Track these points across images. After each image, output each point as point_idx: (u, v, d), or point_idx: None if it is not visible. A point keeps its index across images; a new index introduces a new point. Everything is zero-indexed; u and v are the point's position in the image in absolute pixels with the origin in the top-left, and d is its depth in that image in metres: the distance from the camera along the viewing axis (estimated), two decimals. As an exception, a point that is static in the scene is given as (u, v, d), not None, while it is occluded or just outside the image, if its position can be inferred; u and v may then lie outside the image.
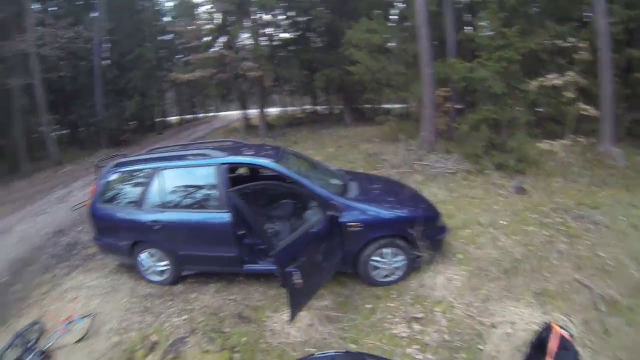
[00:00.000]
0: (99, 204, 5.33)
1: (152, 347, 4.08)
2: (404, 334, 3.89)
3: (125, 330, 4.42)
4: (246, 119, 21.26)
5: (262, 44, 17.82)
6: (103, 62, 20.90)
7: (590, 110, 6.77)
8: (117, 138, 20.47)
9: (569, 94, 6.73)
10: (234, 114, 26.57)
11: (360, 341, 3.86)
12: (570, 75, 6.62)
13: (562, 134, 6.53)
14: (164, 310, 4.69)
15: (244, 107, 21.58)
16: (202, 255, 4.91)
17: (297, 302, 3.73)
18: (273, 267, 4.29)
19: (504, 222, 6.00)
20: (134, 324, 4.49)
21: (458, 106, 11.27)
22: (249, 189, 4.16)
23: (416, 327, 3.96)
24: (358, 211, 4.46)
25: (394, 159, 8.58)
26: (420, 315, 4.08)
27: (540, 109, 12.41)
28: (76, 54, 18.48)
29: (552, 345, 2.94)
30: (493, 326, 3.86)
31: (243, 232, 4.85)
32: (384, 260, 4.55)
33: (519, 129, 8.82)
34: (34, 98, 17.19)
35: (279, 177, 4.73)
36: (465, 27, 13.17)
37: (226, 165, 4.76)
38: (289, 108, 24.82)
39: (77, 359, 4.18)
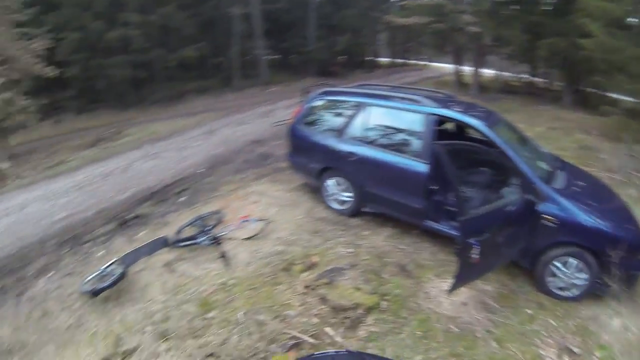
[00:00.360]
0: (300, 125, 5.90)
1: (310, 267, 4.45)
2: (549, 358, 3.58)
3: (291, 243, 4.88)
4: (458, 74, 20.46)
5: None
6: (319, -1, 22.24)
7: None
8: (325, 69, 22.40)
9: None
10: (446, 67, 25.73)
11: (503, 343, 3.67)
12: None
13: None
14: (333, 237, 5.04)
15: (457, 62, 20.69)
16: (387, 198, 5.05)
17: (463, 277, 3.68)
18: (454, 231, 4.36)
19: None
20: (301, 241, 4.97)
21: None
22: (455, 146, 4.05)
23: (565, 359, 3.60)
24: (558, 205, 4.03)
25: (610, 160, 7.37)
26: (576, 350, 3.66)
27: None
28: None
29: None
30: None
31: (435, 187, 4.87)
32: (565, 270, 4.12)
33: None
34: (251, 25, 19.79)
35: (487, 142, 4.47)
36: None
37: (435, 117, 4.71)
38: (505, 73, 22.67)
39: (241, 252, 4.76)
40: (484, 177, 5.18)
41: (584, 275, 4.05)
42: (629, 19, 10.85)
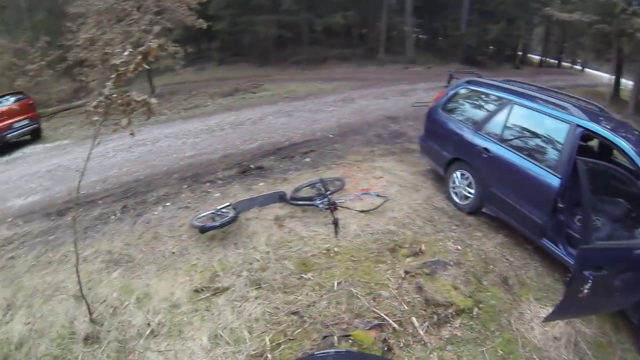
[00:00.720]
0: (439, 110, 5.81)
1: (416, 254, 4.46)
2: None
3: (404, 226, 4.91)
4: (616, 87, 17.82)
5: None
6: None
7: None
8: (473, 57, 21.19)
9: None
10: (603, 76, 22.69)
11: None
12: None
13: None
14: (445, 229, 5.00)
15: (618, 72, 17.98)
16: (510, 203, 4.80)
17: (565, 310, 3.39)
18: (570, 259, 4.09)
19: None
20: (413, 225, 4.99)
21: None
22: (598, 167, 3.69)
23: None
24: None
25: None
26: None
27: None
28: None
29: None
30: None
31: (562, 205, 4.46)
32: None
33: None
34: (402, 1, 19.19)
35: (632, 170, 3.97)
36: None
37: (582, 130, 4.31)
38: None
39: (352, 223, 4.89)
40: (620, 209, 4.58)
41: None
42: None
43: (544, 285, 4.38)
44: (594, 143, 5.28)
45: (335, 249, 4.46)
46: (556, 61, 31.84)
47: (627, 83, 17.97)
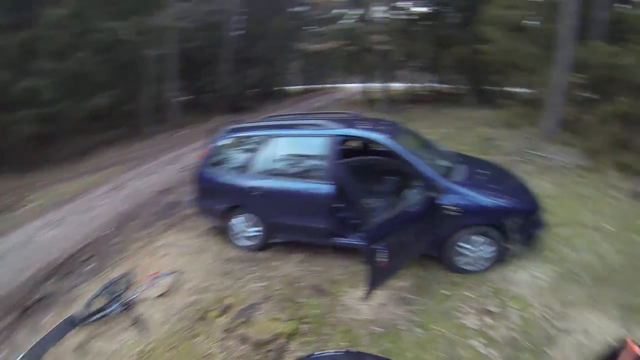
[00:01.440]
0: (205, 167, 5.83)
1: (226, 310, 4.38)
2: (473, 326, 3.88)
3: (204, 291, 4.77)
4: (368, 92, 21.52)
5: (396, 17, 18.09)
6: (236, 33, 22.62)
7: None
8: (235, 104, 21.99)
9: None
10: (356, 86, 26.95)
11: (427, 326, 3.91)
12: None
13: None
14: (244, 275, 5.02)
15: (367, 80, 21.82)
16: (295, 225, 5.14)
17: (375, 281, 3.88)
18: (361, 242, 4.48)
19: (609, 227, 5.53)
20: (213, 286, 4.87)
21: (590, 96, 9.97)
22: (358, 163, 4.23)
23: (487, 320, 3.93)
24: (459, 195, 4.42)
25: (508, 146, 8.24)
26: (494, 309, 4.02)
27: None
28: (211, 25, 20.09)
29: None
30: (566, 332, 3.72)
31: (339, 205, 5.00)
32: (471, 247, 4.51)
33: None
34: (166, 67, 19.30)
35: (390, 153, 4.73)
36: (619, 4, 11.22)
37: (339, 138, 4.89)
38: (415, 85, 24.26)
39: (155, 312, 4.56)
40: (390, 186, 5.56)
41: (489, 248, 4.50)
42: (523, 22, 12.34)
43: (352, 273, 4.79)
44: (357, 144, 6.09)
45: (149, 347, 4.01)
46: (316, 85, 36.34)
47: (377, 86, 21.44)
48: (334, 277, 4.81)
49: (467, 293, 4.28)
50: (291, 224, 5.20)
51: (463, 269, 4.58)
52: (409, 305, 4.19)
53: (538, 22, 11.87)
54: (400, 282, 4.47)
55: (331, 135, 4.92)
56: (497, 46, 11.92)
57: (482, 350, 3.61)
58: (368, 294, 3.92)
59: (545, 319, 3.88)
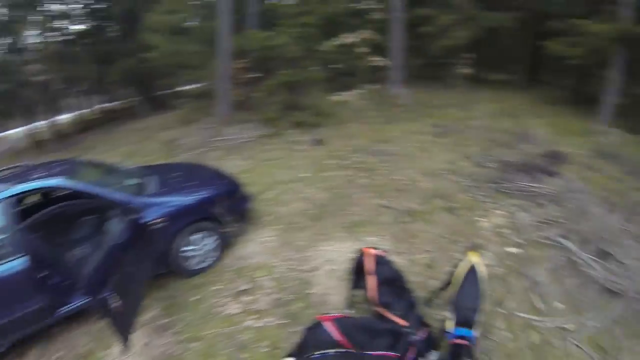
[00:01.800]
0: None
1: None
2: (237, 310, 3.89)
3: None
4: (34, 134, 17.85)
5: (52, 40, 15.61)
6: None
7: (380, 61, 7.52)
8: None
9: (362, 49, 7.33)
10: (19, 131, 21.74)
11: (199, 336, 3.70)
12: (364, 34, 7.20)
13: (355, 85, 7.21)
14: None
15: (30, 120, 18.04)
16: (5, 323, 3.72)
17: (123, 327, 3.29)
18: (86, 298, 3.90)
19: (305, 175, 6.42)
20: None
21: (255, 75, 11.44)
22: (45, 217, 3.72)
23: (246, 299, 4.00)
24: (159, 206, 4.16)
25: (192, 141, 8.34)
26: (246, 287, 4.13)
27: (338, 66, 13.42)
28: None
29: (369, 265, 3.43)
30: (315, 269, 4.18)
31: (45, 273, 3.88)
32: (194, 247, 4.40)
33: (314, 87, 9.53)
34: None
35: (75, 194, 4.16)
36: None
37: (11, 200, 3.75)
38: (84, 111, 21.59)
39: None
40: (90, 227, 4.92)
41: (211, 240, 4.49)
42: (187, 23, 12.72)
43: (98, 334, 3.94)
44: (38, 197, 4.95)
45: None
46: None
47: (39, 125, 17.70)
48: (82, 351, 3.90)
49: (214, 287, 4.26)
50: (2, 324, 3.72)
51: (198, 269, 4.48)
52: (171, 330, 3.85)
53: (198, 22, 12.65)
54: (149, 313, 4.04)
55: (3, 199, 3.75)
56: (162, 51, 12.00)
57: (259, 324, 3.69)
58: (125, 344, 3.30)
59: (292, 269, 4.25)
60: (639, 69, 9.34)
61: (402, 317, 3.20)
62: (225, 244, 4.64)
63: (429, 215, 5.07)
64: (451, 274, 3.50)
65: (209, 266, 4.51)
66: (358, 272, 3.54)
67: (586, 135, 8.86)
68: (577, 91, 14.20)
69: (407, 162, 6.65)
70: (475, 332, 3.05)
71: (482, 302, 3.27)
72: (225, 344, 3.56)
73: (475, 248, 4.19)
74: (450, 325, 3.11)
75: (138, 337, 3.75)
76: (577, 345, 3.49)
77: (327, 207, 5.28)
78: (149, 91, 18.48)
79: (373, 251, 3.57)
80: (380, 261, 3.50)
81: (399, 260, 4.22)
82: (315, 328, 2.92)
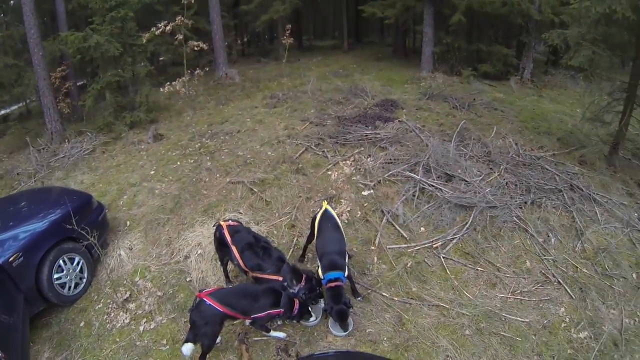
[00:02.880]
0: None
1: None
2: (127, 320, 3.99)
3: None
4: None
5: None
6: None
7: (202, 45, 7.52)
8: None
9: (181, 36, 7.25)
10: None
11: (100, 357, 3.68)
12: (180, 20, 7.07)
13: (183, 74, 7.23)
14: None
15: None
16: None
17: None
18: None
19: (153, 172, 6.45)
20: None
21: (80, 82, 10.54)
22: None
23: (132, 306, 4.12)
24: (10, 241, 3.92)
25: (28, 168, 7.40)
26: (127, 295, 4.22)
27: (162, 58, 13.41)
28: None
29: (227, 235, 3.80)
30: (187, 257, 4.48)
31: None
32: (64, 273, 4.23)
33: (143, 83, 9.20)
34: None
35: None
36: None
37: None
38: None
39: None
40: None
41: (77, 259, 4.38)
42: None
43: None
44: None
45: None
46: None
47: None
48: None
49: (99, 306, 4.22)
50: None
51: (77, 293, 4.34)
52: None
53: (2, 31, 10.63)
54: (43, 356, 3.80)
55: None
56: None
57: (152, 325, 3.89)
58: None
59: (166, 264, 4.50)
60: (447, 21, 10.94)
61: (276, 273, 3.53)
62: (94, 259, 4.58)
63: (279, 180, 5.56)
64: (312, 226, 3.94)
65: (86, 287, 4.43)
66: (221, 245, 3.87)
67: (413, 82, 10.10)
68: (398, 47, 16.34)
69: (247, 137, 7.01)
70: (345, 272, 3.46)
71: (344, 244, 3.69)
72: (128, 356, 3.63)
73: (330, 199, 4.80)
74: (321, 272, 3.48)
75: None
76: (447, 258, 4.28)
77: (182, 197, 5.50)
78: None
79: (227, 222, 3.93)
80: (235, 230, 3.84)
81: (261, 229, 4.74)
82: (198, 306, 3.18)
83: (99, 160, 7.54)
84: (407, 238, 4.59)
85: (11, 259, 3.81)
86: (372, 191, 5.25)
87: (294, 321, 3.61)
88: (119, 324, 3.97)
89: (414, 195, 5.11)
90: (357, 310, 3.75)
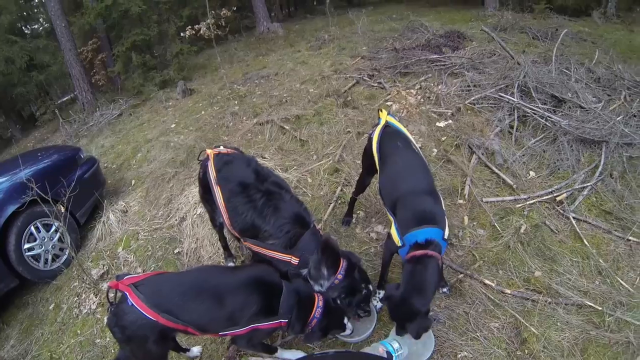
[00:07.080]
0: None
1: None
2: (93, 306, 2.91)
3: None
4: None
5: None
6: None
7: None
8: None
9: None
10: None
11: (61, 347, 2.69)
12: None
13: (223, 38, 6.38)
14: None
15: None
16: None
17: None
18: None
19: (174, 125, 5.55)
20: None
21: (112, 53, 9.86)
22: None
23: (104, 286, 2.98)
24: None
25: (57, 140, 7.01)
26: (104, 271, 3.15)
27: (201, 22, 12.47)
28: None
29: (211, 171, 2.17)
30: (183, 219, 3.30)
31: None
32: (37, 242, 3.30)
33: (173, 40, 8.44)
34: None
35: None
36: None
37: None
38: None
39: None
40: None
41: (57, 224, 3.30)
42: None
43: None
44: None
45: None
46: None
47: None
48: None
49: (75, 284, 3.22)
50: None
51: (56, 268, 3.39)
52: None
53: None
54: (8, 344, 3.00)
55: None
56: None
57: None
58: None
59: (157, 229, 3.41)
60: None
61: (288, 247, 1.90)
62: (81, 226, 3.63)
63: (321, 115, 4.29)
64: (367, 154, 2.29)
65: (68, 259, 3.40)
66: (208, 195, 2.20)
67: (478, 20, 8.58)
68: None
69: (286, 77, 5.91)
70: (445, 230, 1.81)
71: (431, 177, 2.06)
72: (86, 355, 2.55)
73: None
74: (397, 231, 1.85)
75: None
76: (580, 219, 2.59)
77: (197, 147, 4.38)
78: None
79: (212, 151, 2.24)
80: (225, 161, 2.18)
81: (289, 177, 3.42)
82: (119, 306, 1.71)
83: (124, 123, 6.82)
84: (514, 186, 2.90)
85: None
86: (450, 121, 3.70)
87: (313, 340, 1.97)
88: (85, 310, 2.90)
89: (511, 127, 3.48)
90: (439, 311, 2.16)
